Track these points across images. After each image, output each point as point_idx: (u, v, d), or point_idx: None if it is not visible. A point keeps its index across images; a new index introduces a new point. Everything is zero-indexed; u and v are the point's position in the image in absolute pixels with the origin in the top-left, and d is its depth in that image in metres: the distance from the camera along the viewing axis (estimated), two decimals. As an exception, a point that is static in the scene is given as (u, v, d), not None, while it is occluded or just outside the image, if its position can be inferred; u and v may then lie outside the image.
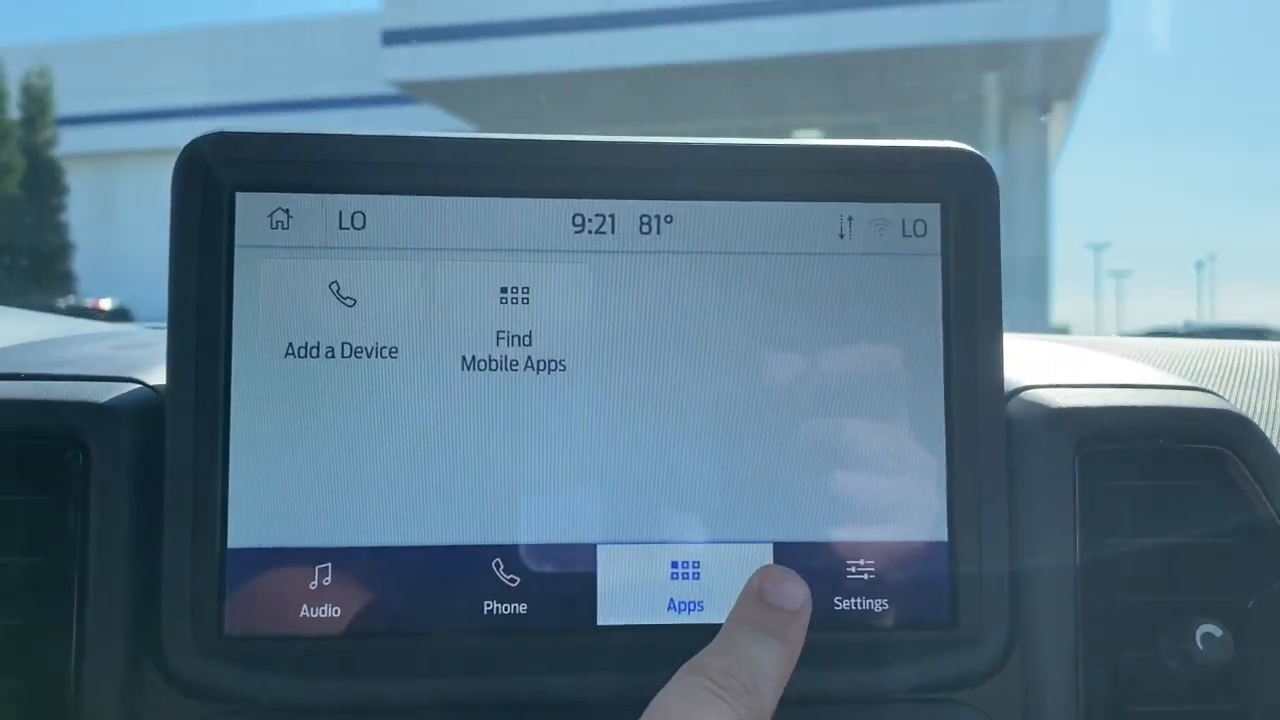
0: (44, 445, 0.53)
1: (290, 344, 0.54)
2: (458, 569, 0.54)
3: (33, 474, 0.53)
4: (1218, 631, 0.55)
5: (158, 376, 0.57)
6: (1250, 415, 0.59)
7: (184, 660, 0.52)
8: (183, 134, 0.57)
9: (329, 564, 0.53)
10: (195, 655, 0.52)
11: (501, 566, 0.54)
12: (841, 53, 13.53)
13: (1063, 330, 6.52)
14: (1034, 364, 0.65)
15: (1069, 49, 13.56)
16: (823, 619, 0.54)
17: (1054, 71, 14.04)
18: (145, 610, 0.53)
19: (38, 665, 0.52)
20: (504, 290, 0.55)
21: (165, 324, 0.53)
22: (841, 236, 0.56)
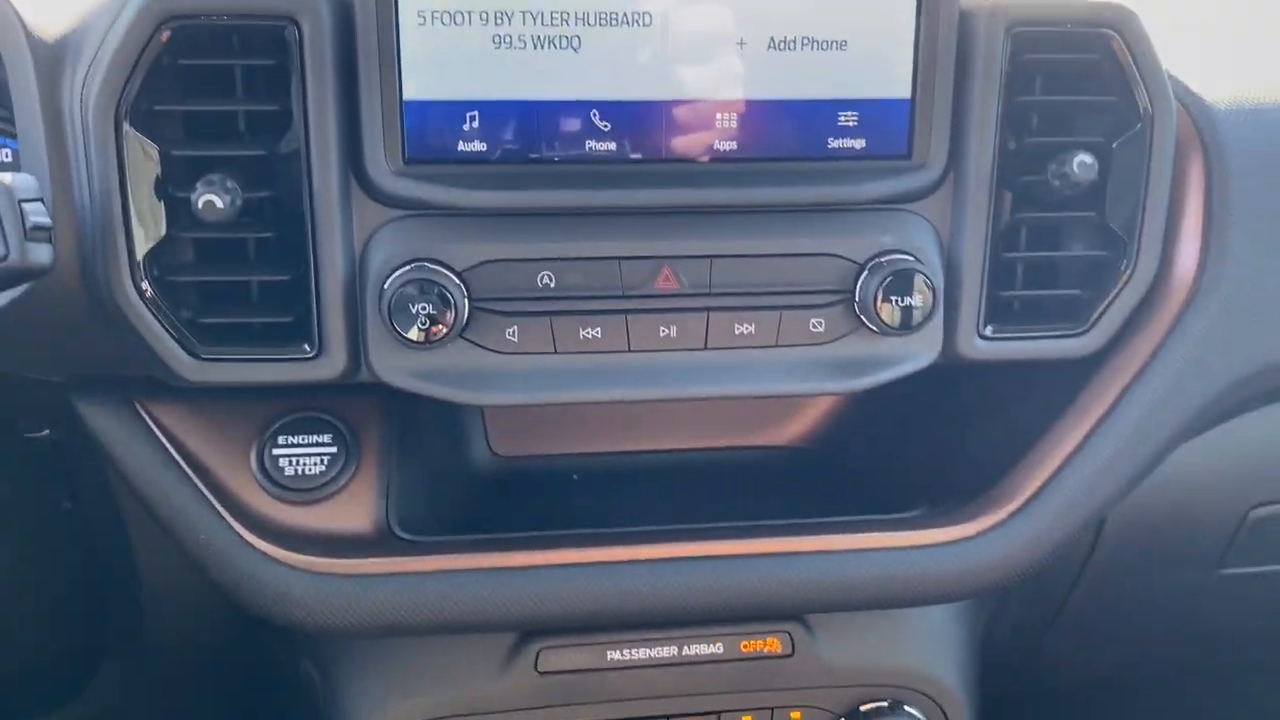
0: (268, 25, 0.72)
1: None
2: (560, 119, 0.76)
3: (262, 47, 0.73)
4: (1089, 159, 0.80)
5: None
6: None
7: (381, 178, 0.74)
8: None
9: (476, 112, 0.75)
10: (388, 174, 0.74)
11: (597, 116, 0.76)
12: None
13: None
14: None
15: None
16: (822, 153, 0.78)
17: None
18: (351, 146, 0.75)
19: (279, 182, 0.74)
20: None
21: None
22: None
